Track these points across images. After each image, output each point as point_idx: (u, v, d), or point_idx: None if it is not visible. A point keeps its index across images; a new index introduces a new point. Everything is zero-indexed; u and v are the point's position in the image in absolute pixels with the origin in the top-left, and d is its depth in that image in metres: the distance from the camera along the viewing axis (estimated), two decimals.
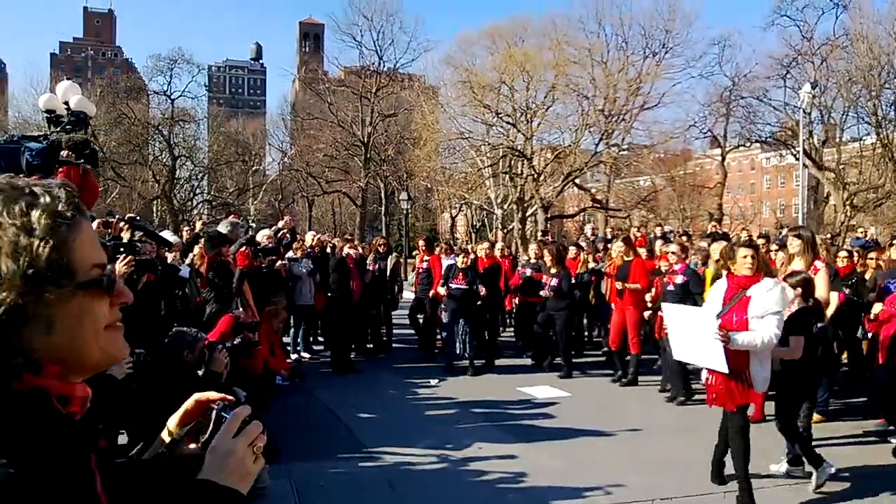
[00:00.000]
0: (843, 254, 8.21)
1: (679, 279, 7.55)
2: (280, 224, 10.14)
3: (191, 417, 1.17)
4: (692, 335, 4.74)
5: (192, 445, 1.14)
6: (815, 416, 6.03)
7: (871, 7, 30.60)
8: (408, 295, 13.41)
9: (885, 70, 28.77)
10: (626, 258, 8.51)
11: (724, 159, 36.08)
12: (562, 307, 8.74)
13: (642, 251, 9.07)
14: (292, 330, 9.94)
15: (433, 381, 8.46)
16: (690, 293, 7.32)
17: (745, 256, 4.76)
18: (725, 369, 4.47)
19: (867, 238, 12.64)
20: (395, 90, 39.26)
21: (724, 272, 4.95)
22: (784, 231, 12.00)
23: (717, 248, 6.85)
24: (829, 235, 13.24)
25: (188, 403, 1.18)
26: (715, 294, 4.85)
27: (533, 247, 10.28)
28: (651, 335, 8.51)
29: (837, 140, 31.91)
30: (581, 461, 5.57)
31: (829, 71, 30.21)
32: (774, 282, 4.71)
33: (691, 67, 32.38)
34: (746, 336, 4.45)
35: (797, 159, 28.72)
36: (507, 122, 29.99)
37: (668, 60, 31.08)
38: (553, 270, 8.85)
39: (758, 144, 38.19)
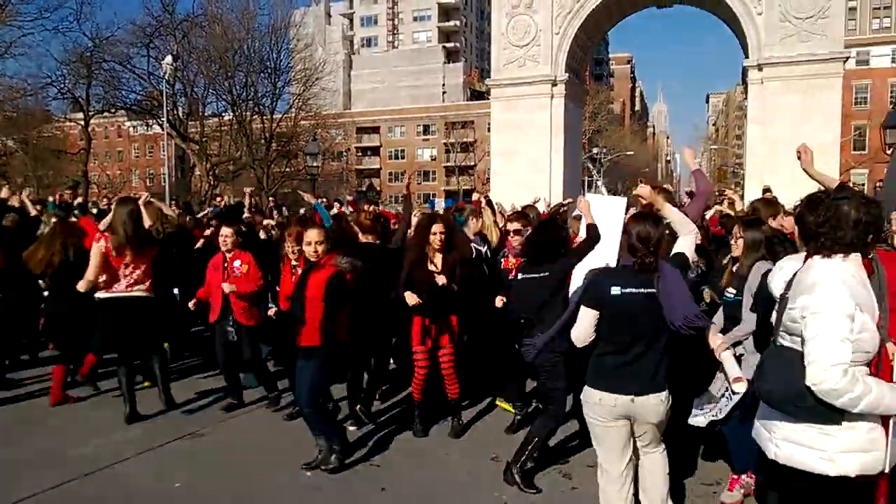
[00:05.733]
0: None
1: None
2: None
3: None
4: None
5: None
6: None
7: None
8: None
9: (238, 54, 31.93)
10: None
11: (87, 124, 33.92)
12: None
13: None
14: None
15: None
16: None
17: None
18: None
19: (222, 206, 13.63)
20: None
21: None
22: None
23: None
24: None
25: None
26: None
27: None
28: None
29: (200, 114, 33.88)
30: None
31: (191, 47, 31.69)
32: None
33: (45, 19, 29.15)
34: None
35: (163, 129, 29.27)
36: None
37: (18, 6, 27.31)
38: None
39: (124, 112, 37.24)
